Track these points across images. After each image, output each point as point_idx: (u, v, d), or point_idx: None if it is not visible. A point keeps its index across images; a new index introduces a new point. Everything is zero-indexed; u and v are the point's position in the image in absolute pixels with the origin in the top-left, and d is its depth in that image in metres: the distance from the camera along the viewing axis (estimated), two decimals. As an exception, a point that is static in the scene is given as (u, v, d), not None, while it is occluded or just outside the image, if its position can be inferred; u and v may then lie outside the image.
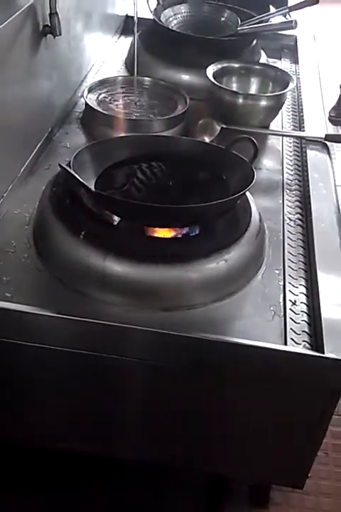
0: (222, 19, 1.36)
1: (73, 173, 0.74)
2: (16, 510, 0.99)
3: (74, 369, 0.72)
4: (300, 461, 0.76)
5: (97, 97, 1.10)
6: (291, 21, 1.25)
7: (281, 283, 0.78)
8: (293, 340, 0.70)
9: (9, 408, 0.78)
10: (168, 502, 1.04)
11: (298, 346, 0.69)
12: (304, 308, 0.74)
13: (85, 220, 0.74)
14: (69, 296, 0.72)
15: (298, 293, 0.76)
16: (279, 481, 0.86)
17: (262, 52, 1.35)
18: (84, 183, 0.73)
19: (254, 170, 0.78)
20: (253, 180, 0.75)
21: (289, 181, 0.99)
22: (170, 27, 1.31)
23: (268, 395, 0.70)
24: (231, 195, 0.75)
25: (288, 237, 0.86)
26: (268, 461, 0.77)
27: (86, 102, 1.07)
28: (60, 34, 0.94)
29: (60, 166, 0.77)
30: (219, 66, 1.15)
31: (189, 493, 1.06)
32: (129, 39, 1.43)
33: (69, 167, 0.76)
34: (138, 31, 1.13)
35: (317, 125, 1.11)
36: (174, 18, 1.35)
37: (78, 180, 0.73)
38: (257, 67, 1.21)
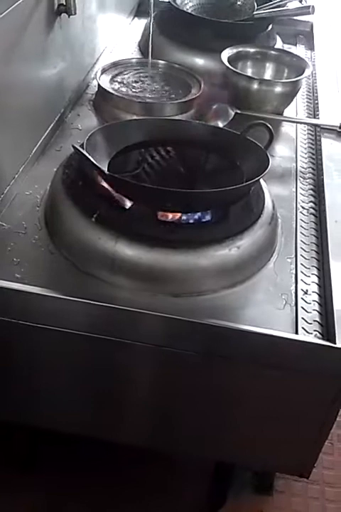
0: (238, 3, 1.34)
1: (87, 154, 0.73)
2: (17, 490, 1.01)
3: (82, 352, 0.72)
4: (307, 451, 0.76)
5: (110, 79, 1.09)
6: (308, 6, 1.24)
7: (293, 272, 0.77)
8: (305, 329, 0.69)
9: (18, 390, 0.78)
10: (172, 487, 1.05)
11: (309, 336, 0.68)
12: (316, 297, 0.74)
13: (97, 202, 0.74)
14: (80, 279, 0.72)
15: (309, 282, 0.76)
16: (285, 470, 0.86)
17: (278, 37, 1.33)
18: (98, 165, 0.72)
19: (269, 156, 0.77)
20: (269, 167, 0.74)
21: (303, 169, 0.98)
22: (185, 9, 1.29)
23: (278, 384, 0.70)
24: (245, 181, 0.74)
25: (301, 226, 0.85)
26: (275, 450, 0.77)
27: (99, 84, 1.06)
28: (75, 13, 0.93)
29: (73, 147, 0.76)
30: (235, 50, 1.14)
31: (193, 479, 1.07)
32: (143, 21, 1.42)
33: (82, 148, 0.75)
34: (153, 12, 1.11)
35: (332, 113, 1.09)
36: (190, 0, 1.32)
37: (92, 162, 0.72)
38: (273, 52, 1.19)
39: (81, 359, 0.73)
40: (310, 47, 1.43)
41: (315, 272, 0.78)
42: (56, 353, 0.73)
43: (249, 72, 1.16)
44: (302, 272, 0.77)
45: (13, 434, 1.03)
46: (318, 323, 0.70)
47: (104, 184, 0.74)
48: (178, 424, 0.77)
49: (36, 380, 0.76)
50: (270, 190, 0.83)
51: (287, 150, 1.03)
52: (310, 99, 1.21)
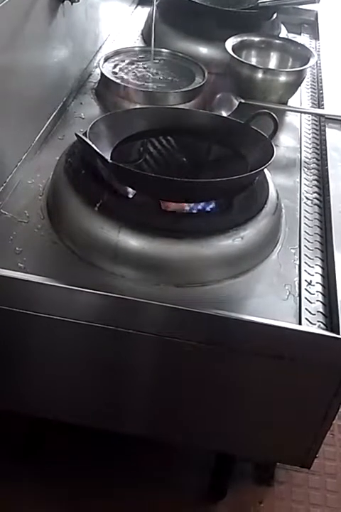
0: (243, -10, 1.33)
1: (90, 143, 0.72)
2: (17, 480, 1.01)
3: (84, 342, 0.72)
4: (309, 441, 0.76)
5: (113, 67, 1.08)
6: (314, -5, 1.22)
7: (297, 262, 0.77)
8: (308, 320, 0.69)
9: (19, 379, 0.78)
10: (172, 479, 1.05)
11: (313, 326, 0.68)
12: (320, 288, 0.73)
13: (100, 191, 0.73)
14: (82, 268, 0.72)
15: (313, 273, 0.75)
16: (287, 460, 0.86)
17: (282, 26, 1.32)
18: (101, 154, 0.71)
19: (274, 146, 0.76)
20: (273, 157, 0.73)
21: (307, 159, 0.97)
22: (189, -3, 1.28)
23: (280, 374, 0.70)
24: (250, 171, 0.74)
25: (305, 217, 0.84)
26: (277, 440, 0.77)
27: (101, 72, 1.05)
28: (78, 1, 0.92)
29: (76, 135, 0.75)
30: (239, 39, 1.13)
31: (193, 469, 1.07)
32: (146, 10, 1.41)
33: (85, 137, 0.75)
34: (156, 1, 1.10)
35: (337, 103, 1.09)
36: (194, -12, 1.31)
37: (95, 150, 0.71)
38: (277, 41, 1.18)
39: (83, 349, 0.73)
40: (315, 36, 1.42)
41: (319, 262, 0.77)
42: (58, 343, 0.72)
43: (254, 61, 1.15)
44: (306, 263, 0.77)
45: (12, 423, 1.03)
46: (322, 314, 0.70)
47: (107, 173, 0.74)
48: (180, 414, 0.77)
49: (38, 369, 0.76)
50: (274, 181, 0.83)
51: (291, 140, 1.02)
52: (314, 88, 1.20)
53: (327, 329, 0.68)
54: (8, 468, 1.02)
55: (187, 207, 0.72)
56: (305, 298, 0.72)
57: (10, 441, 1.05)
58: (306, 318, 0.69)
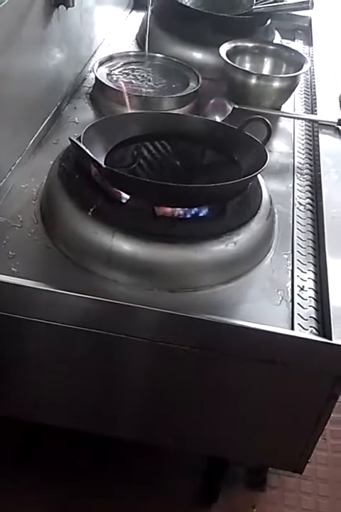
0: (237, -3, 1.33)
1: (84, 148, 0.72)
2: (14, 483, 1.01)
3: (78, 347, 0.72)
4: (301, 446, 0.76)
5: (107, 72, 1.08)
6: (307, 1, 1.23)
7: (290, 268, 0.77)
8: (300, 325, 0.69)
9: (12, 384, 0.78)
10: (164, 483, 1.05)
11: (305, 332, 0.68)
12: (312, 294, 0.74)
13: (94, 196, 0.73)
14: (76, 273, 0.72)
15: (306, 278, 0.76)
16: (279, 465, 0.86)
17: (276, 32, 1.33)
18: (95, 158, 0.71)
19: (267, 152, 0.76)
20: (266, 163, 0.74)
21: (300, 165, 0.98)
22: (183, 3, 1.28)
23: (273, 380, 0.70)
24: (243, 176, 0.74)
25: (298, 222, 0.85)
26: (269, 445, 0.77)
27: (96, 77, 1.05)
28: (73, 5, 0.92)
29: (70, 140, 0.75)
30: (233, 45, 1.13)
31: (185, 472, 1.07)
32: (141, 14, 1.41)
33: (79, 142, 0.75)
34: (151, 6, 1.10)
35: (330, 109, 1.09)
36: (188, -7, 1.32)
37: (89, 155, 0.71)
38: (271, 47, 1.19)
39: (76, 353, 0.72)
40: (309, 42, 1.42)
41: (312, 268, 0.77)
42: (51, 348, 0.72)
43: (247, 66, 1.15)
44: (298, 268, 0.77)
45: (10, 427, 1.03)
46: (314, 319, 0.70)
47: (101, 178, 0.74)
48: (173, 418, 0.77)
49: (31, 374, 0.76)
50: (267, 186, 0.83)
51: (284, 145, 1.03)
52: (308, 94, 1.20)
53: (319, 335, 0.68)
54: (5, 470, 1.01)
55: (180, 212, 0.73)
56: (298, 303, 0.72)
57: (8, 444, 1.04)
58: (298, 324, 0.69)
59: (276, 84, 1.08)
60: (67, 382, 0.76)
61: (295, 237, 0.82)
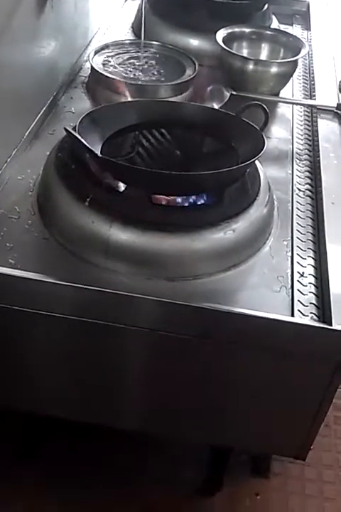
0: (234, -18, 1.32)
1: (79, 137, 0.72)
2: (14, 483, 1.01)
3: (76, 337, 0.72)
4: (303, 433, 0.76)
5: (103, 61, 1.08)
6: (305, -15, 1.22)
7: (289, 254, 0.76)
8: (301, 312, 0.69)
9: (13, 375, 0.77)
10: (168, 472, 1.05)
11: (306, 318, 0.68)
12: (312, 280, 0.73)
13: (91, 186, 0.73)
14: (74, 264, 0.71)
15: (306, 265, 0.75)
16: (282, 452, 0.86)
17: (274, 17, 1.32)
18: (91, 148, 0.71)
19: (265, 138, 0.76)
20: (264, 149, 0.73)
21: (299, 151, 0.97)
22: (179, -11, 1.27)
23: (274, 366, 0.69)
24: (241, 163, 0.74)
25: (297, 208, 0.84)
26: (272, 432, 0.77)
27: (91, 66, 1.05)
28: (67, -7, 0.91)
29: (65, 130, 0.75)
30: (230, 31, 1.12)
31: (189, 462, 1.07)
32: (136, 2, 1.40)
33: (75, 131, 0.74)
34: (146, -7, 1.10)
35: (328, 94, 1.08)
36: (183, -20, 1.30)
37: (84, 145, 0.71)
38: (268, 32, 1.18)
39: (75, 344, 0.72)
40: (307, 27, 1.41)
41: (311, 254, 0.77)
42: (50, 339, 0.72)
43: (245, 52, 1.15)
44: (298, 255, 0.76)
45: (11, 424, 1.03)
46: (314, 305, 0.70)
47: (98, 167, 0.73)
48: (174, 408, 0.77)
49: (30, 365, 0.75)
50: (266, 172, 0.83)
51: (283, 131, 1.02)
52: (306, 79, 1.19)
53: (319, 321, 0.67)
54: (7, 468, 1.02)
55: (178, 200, 0.72)
56: (298, 290, 0.72)
57: (9, 441, 1.04)
58: (299, 310, 0.69)
59: (274, 69, 1.07)
60: (66, 373, 0.75)
61: (295, 224, 0.81)
